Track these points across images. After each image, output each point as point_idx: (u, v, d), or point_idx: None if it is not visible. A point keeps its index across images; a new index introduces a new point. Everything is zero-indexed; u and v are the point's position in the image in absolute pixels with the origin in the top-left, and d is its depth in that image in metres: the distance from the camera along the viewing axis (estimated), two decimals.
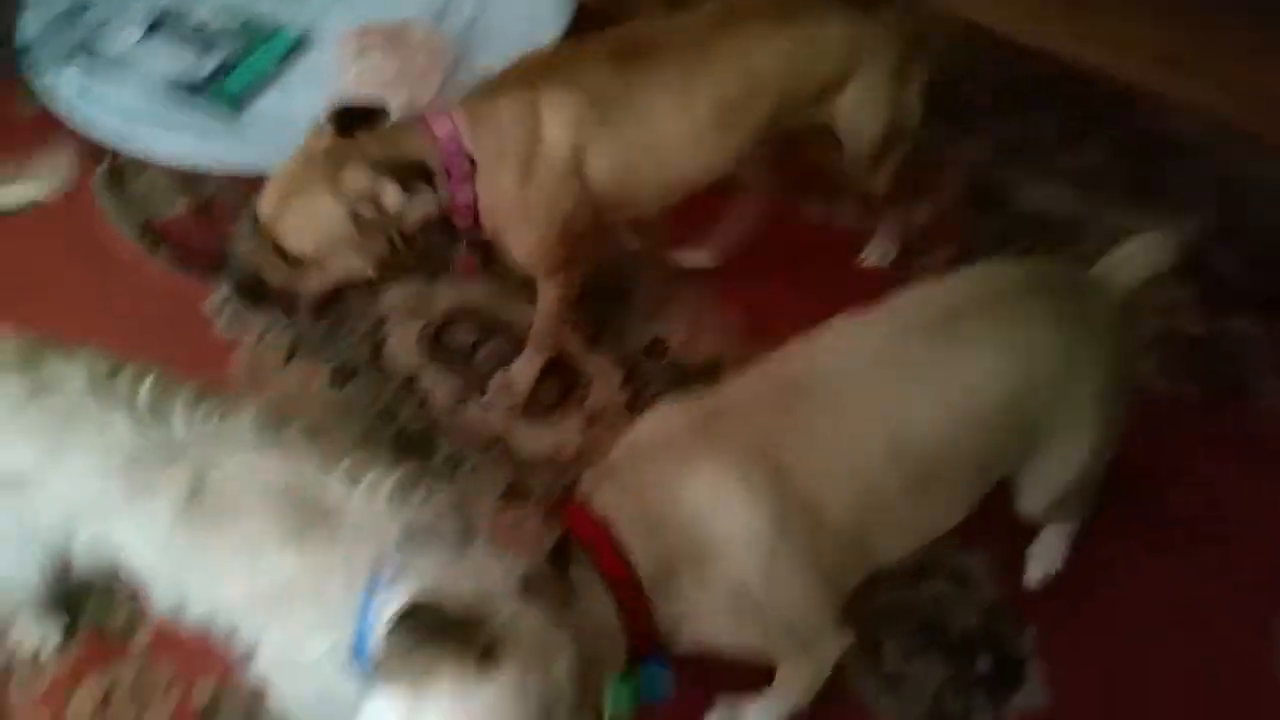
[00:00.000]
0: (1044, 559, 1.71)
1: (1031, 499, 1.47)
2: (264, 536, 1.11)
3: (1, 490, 1.23)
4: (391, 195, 1.43)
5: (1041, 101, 2.51)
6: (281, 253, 1.47)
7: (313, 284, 1.52)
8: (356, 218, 1.44)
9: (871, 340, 1.28)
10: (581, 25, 2.58)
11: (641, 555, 1.16)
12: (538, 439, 1.90)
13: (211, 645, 1.25)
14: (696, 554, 1.19)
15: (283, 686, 1.22)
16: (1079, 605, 1.71)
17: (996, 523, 1.73)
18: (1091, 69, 2.55)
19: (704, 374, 1.97)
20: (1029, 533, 1.74)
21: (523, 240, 1.66)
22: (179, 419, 1.17)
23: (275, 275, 1.50)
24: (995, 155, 2.37)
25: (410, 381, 1.99)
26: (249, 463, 1.16)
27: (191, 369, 1.78)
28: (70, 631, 1.64)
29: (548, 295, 1.79)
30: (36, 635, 1.62)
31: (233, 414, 1.19)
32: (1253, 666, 1.64)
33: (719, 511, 1.18)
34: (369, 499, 1.12)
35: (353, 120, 1.46)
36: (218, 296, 2.08)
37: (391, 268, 1.56)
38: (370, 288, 2.07)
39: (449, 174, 1.49)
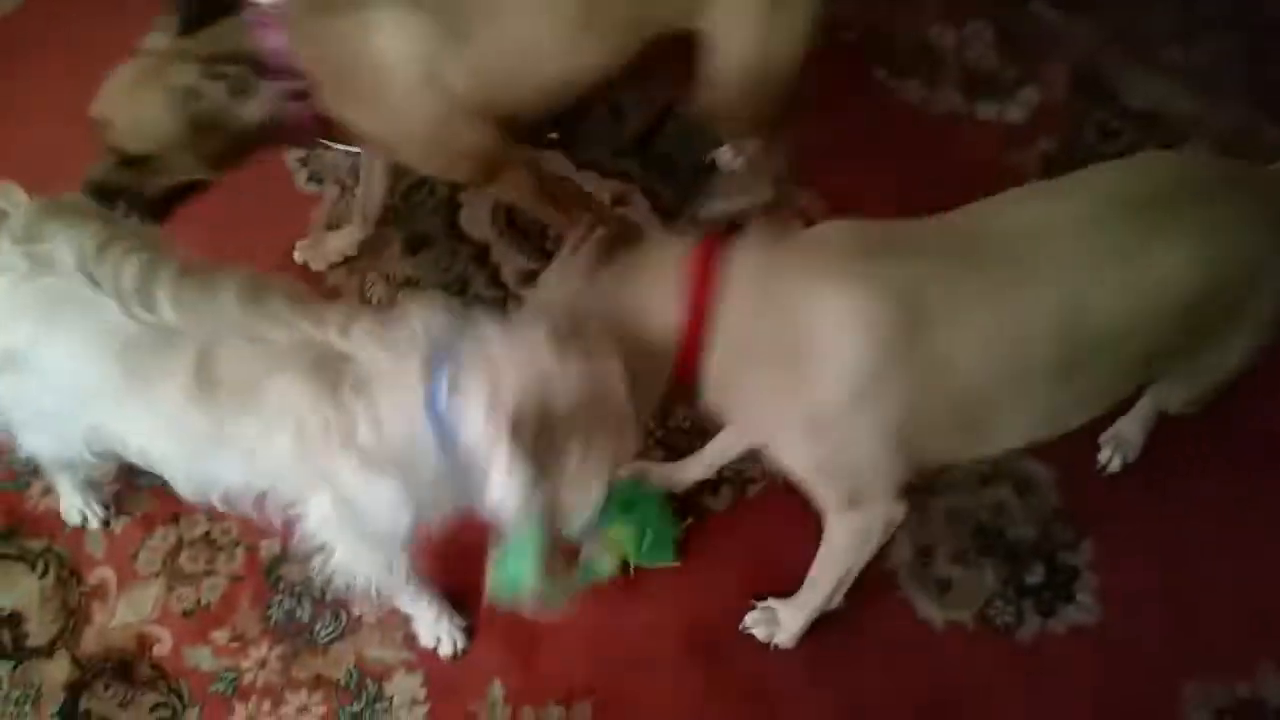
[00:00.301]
0: (1123, 447, 1.72)
1: (1173, 395, 1.46)
2: (299, 396, 1.13)
3: (4, 368, 1.26)
4: (217, 93, 1.39)
5: None
6: (121, 153, 1.44)
7: (153, 185, 1.48)
8: (189, 118, 1.40)
9: (1065, 211, 1.21)
10: None
11: (733, 318, 1.16)
12: None
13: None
14: (789, 353, 1.17)
15: (339, 536, 1.28)
16: (1141, 519, 1.70)
17: (1071, 445, 1.74)
18: None
19: None
20: (1094, 443, 1.73)
21: (426, 163, 1.63)
22: (166, 302, 1.17)
23: (118, 176, 1.46)
24: (1106, 44, 2.25)
25: (483, 253, 2.00)
26: (248, 334, 1.16)
27: (276, 226, 1.83)
28: (106, 523, 1.72)
29: (506, 197, 1.75)
30: (77, 511, 1.70)
31: (217, 289, 1.19)
32: None
33: (836, 330, 1.15)
34: (374, 339, 1.15)
35: (200, 18, 1.41)
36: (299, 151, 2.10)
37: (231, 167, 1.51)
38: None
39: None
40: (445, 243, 2.01)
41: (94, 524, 1.71)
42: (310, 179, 2.12)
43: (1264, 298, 1.27)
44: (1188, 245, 1.18)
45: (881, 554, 1.65)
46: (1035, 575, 1.66)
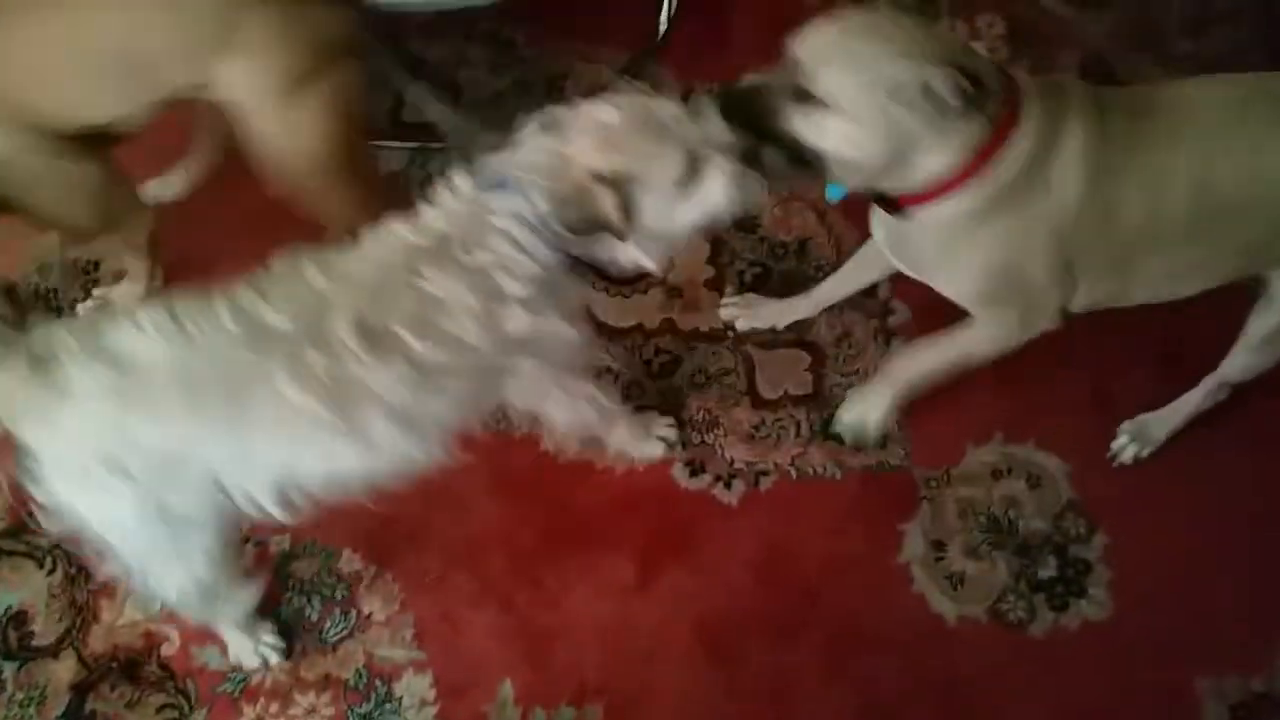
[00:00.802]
0: (1141, 440, 1.73)
1: (1265, 320, 1.53)
2: (449, 291, 1.19)
3: (164, 469, 1.18)
4: None
5: None
6: None
7: None
8: None
9: (1223, 93, 1.39)
10: None
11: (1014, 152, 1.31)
12: (620, 312, 1.89)
13: None
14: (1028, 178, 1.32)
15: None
16: (1154, 512, 1.70)
17: (1078, 425, 1.75)
18: None
19: (796, 252, 1.95)
20: (1109, 437, 1.73)
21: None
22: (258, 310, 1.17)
23: None
24: (1117, 35, 2.22)
25: None
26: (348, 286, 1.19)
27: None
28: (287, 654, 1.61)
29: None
30: (252, 653, 1.58)
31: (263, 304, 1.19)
32: None
33: (1073, 160, 1.32)
34: (445, 211, 1.26)
35: None
36: None
37: None
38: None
39: None
40: None
41: (275, 659, 1.59)
42: None
43: None
44: None
45: (894, 548, 1.66)
46: (1048, 569, 1.66)
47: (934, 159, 1.30)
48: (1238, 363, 1.60)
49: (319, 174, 1.53)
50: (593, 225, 1.23)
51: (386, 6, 1.79)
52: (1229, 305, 1.63)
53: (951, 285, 1.48)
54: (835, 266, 1.91)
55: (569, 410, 1.49)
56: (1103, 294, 1.47)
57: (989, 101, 1.26)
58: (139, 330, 1.15)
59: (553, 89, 2.17)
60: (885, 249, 1.55)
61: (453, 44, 2.23)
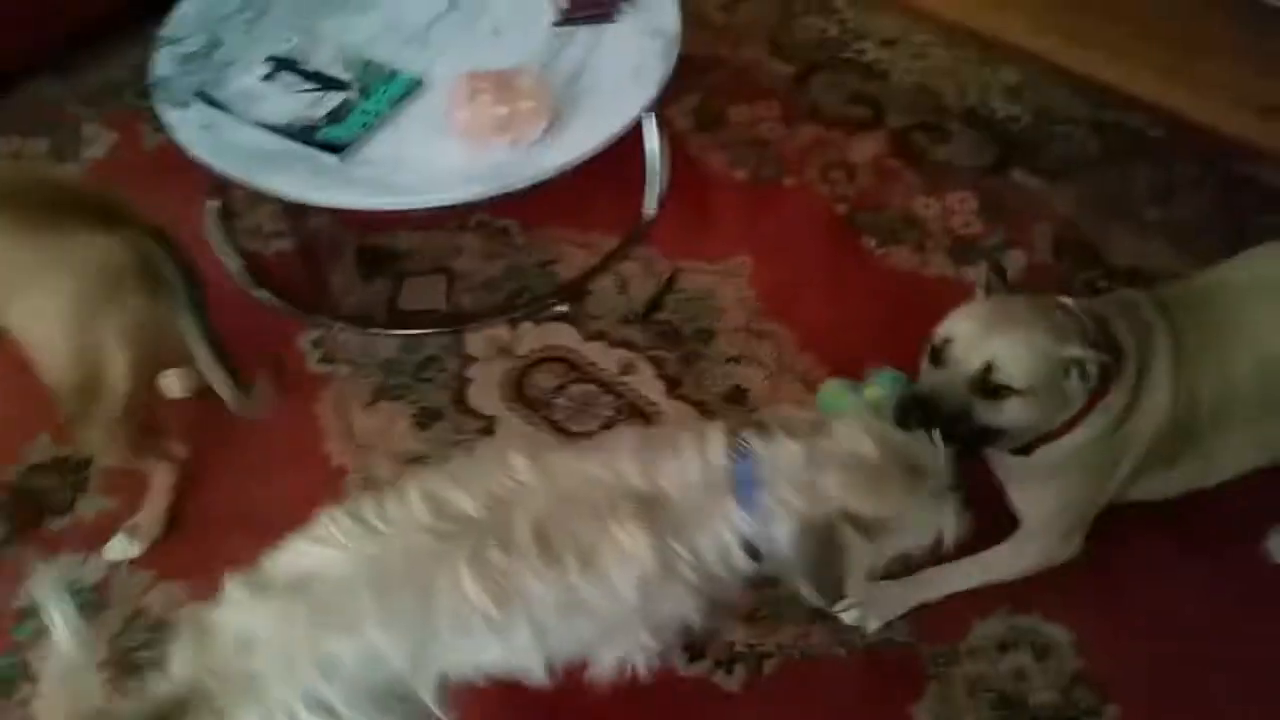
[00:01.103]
0: None
1: None
2: (636, 546, 1.16)
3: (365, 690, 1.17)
4: None
5: (1134, 152, 2.47)
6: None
7: None
8: None
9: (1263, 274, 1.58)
10: (684, 75, 2.65)
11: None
12: None
13: None
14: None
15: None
16: (1167, 682, 1.66)
17: (1080, 595, 1.73)
18: (1187, 119, 2.51)
19: None
20: (1112, 605, 1.72)
21: None
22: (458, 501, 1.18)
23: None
24: (1087, 206, 2.34)
25: (490, 427, 2.01)
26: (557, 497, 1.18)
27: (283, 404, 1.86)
28: None
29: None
30: None
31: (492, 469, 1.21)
32: None
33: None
34: (680, 476, 1.21)
35: None
36: (313, 332, 2.16)
37: None
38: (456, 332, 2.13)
39: None
40: (454, 417, 2.04)
41: None
42: (323, 359, 2.16)
43: None
44: None
45: None
46: None
47: (1072, 409, 1.48)
48: None
49: (88, 405, 1.54)
50: (828, 566, 1.20)
51: (387, 208, 1.88)
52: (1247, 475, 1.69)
53: (1035, 504, 1.64)
54: None
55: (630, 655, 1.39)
56: (1183, 481, 1.63)
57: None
58: (319, 544, 1.17)
59: (543, 274, 2.25)
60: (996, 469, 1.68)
61: (448, 234, 2.33)
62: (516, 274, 2.26)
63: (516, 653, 1.21)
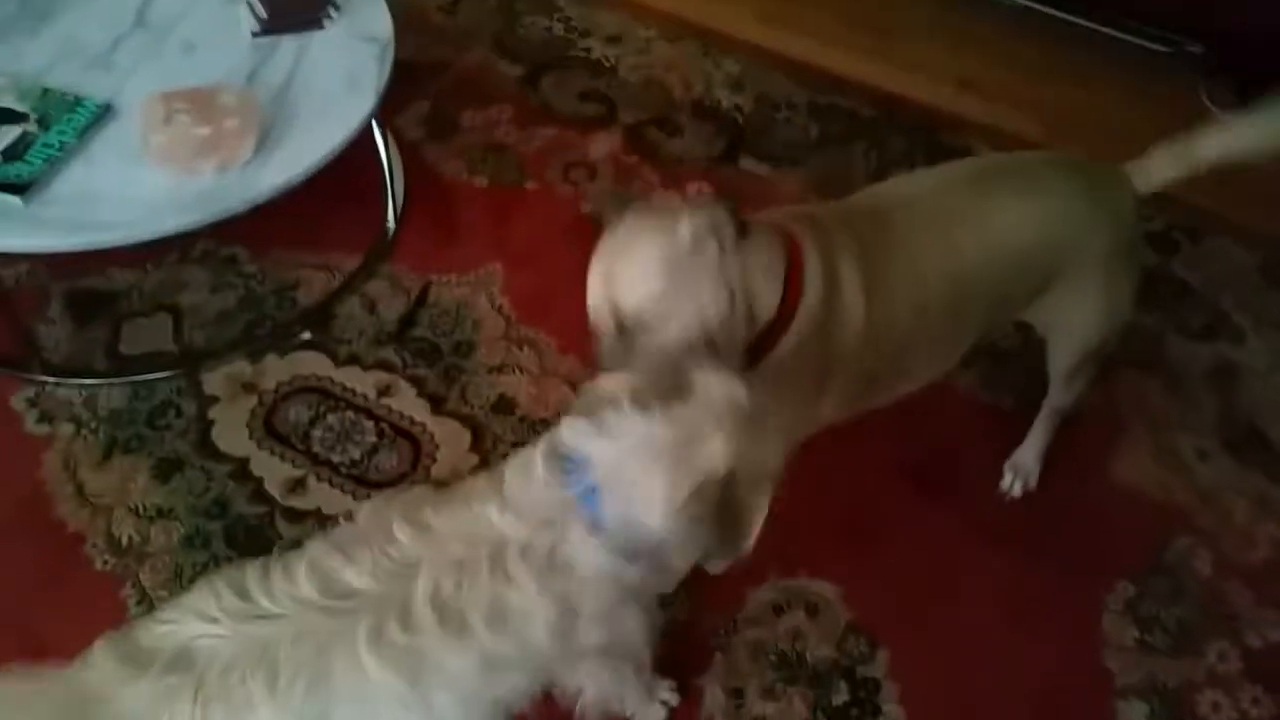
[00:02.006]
0: (1022, 472, 1.95)
1: (1056, 355, 1.73)
2: (520, 595, 1.11)
3: None
4: None
5: (851, 132, 2.63)
6: None
7: None
8: None
9: (931, 185, 1.55)
10: (409, 81, 2.58)
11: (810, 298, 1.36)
12: None
13: None
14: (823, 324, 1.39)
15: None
16: (925, 618, 1.78)
17: (840, 551, 1.84)
18: (895, 96, 2.72)
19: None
20: (870, 557, 1.83)
21: None
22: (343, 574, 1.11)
23: None
24: (813, 188, 2.47)
25: (242, 469, 1.89)
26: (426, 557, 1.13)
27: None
28: None
29: None
30: None
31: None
32: (1083, 660, 1.75)
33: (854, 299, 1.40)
34: (517, 506, 1.14)
35: None
36: (26, 391, 1.95)
37: None
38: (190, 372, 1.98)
39: None
40: (198, 464, 1.89)
41: None
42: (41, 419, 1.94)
43: (1096, 258, 1.54)
44: (1022, 204, 1.51)
45: (696, 703, 1.66)
46: (840, 695, 1.70)
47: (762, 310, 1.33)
48: (1057, 398, 1.85)
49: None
50: (729, 539, 1.14)
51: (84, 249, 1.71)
52: (969, 423, 1.88)
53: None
54: None
55: (606, 687, 1.41)
56: (875, 399, 1.57)
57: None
58: (199, 619, 1.08)
59: (282, 301, 2.13)
60: None
61: (169, 269, 2.16)
62: (252, 304, 2.12)
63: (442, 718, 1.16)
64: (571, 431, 1.13)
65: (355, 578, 1.11)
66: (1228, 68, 2.84)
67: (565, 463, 1.14)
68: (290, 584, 1.11)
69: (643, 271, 1.27)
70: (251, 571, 1.13)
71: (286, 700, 1.06)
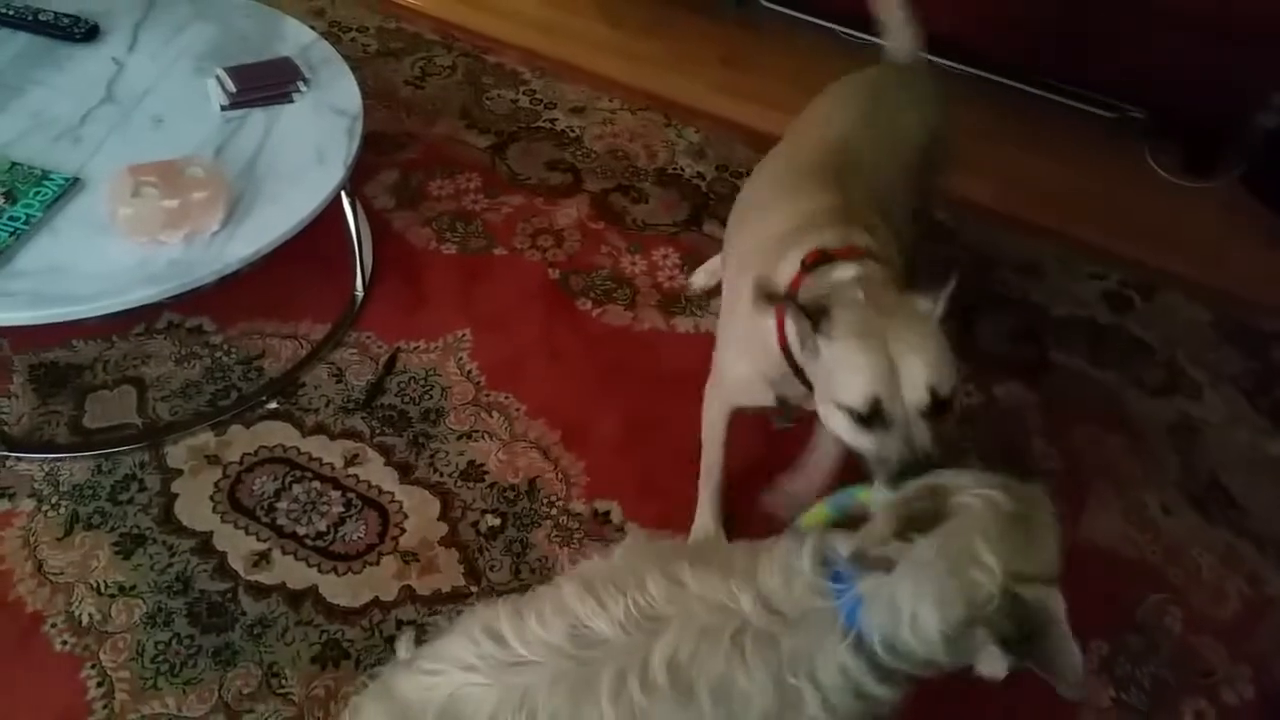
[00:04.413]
0: None
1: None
2: (753, 686, 1.11)
3: None
4: None
5: None
6: None
7: None
8: None
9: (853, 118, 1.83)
10: (377, 152, 2.62)
11: None
12: (350, 589, 1.80)
13: None
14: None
15: None
16: None
17: None
18: None
19: (526, 493, 1.96)
20: None
21: None
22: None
23: None
24: None
25: (205, 543, 1.85)
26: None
27: None
28: None
29: None
30: None
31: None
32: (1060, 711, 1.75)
33: None
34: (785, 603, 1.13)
35: None
36: None
37: None
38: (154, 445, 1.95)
39: None
40: (161, 538, 1.85)
41: None
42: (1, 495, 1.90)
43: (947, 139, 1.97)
44: (913, 111, 1.88)
45: None
46: None
47: None
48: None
49: None
50: (1031, 643, 1.07)
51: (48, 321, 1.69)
52: None
53: None
54: (567, 500, 1.95)
55: None
56: None
57: None
58: (459, 668, 1.12)
59: (249, 371, 2.12)
60: None
61: (134, 341, 2.14)
62: (218, 375, 2.10)
63: None
64: (846, 544, 1.12)
65: (606, 626, 1.12)
66: (1170, 133, 2.96)
67: (832, 570, 1.13)
68: (543, 628, 1.13)
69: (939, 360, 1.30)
70: (504, 612, 1.16)
71: None
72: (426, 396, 2.12)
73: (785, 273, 1.47)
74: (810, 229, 1.51)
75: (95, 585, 1.77)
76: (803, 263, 1.46)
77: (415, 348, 2.21)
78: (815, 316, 1.31)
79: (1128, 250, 2.65)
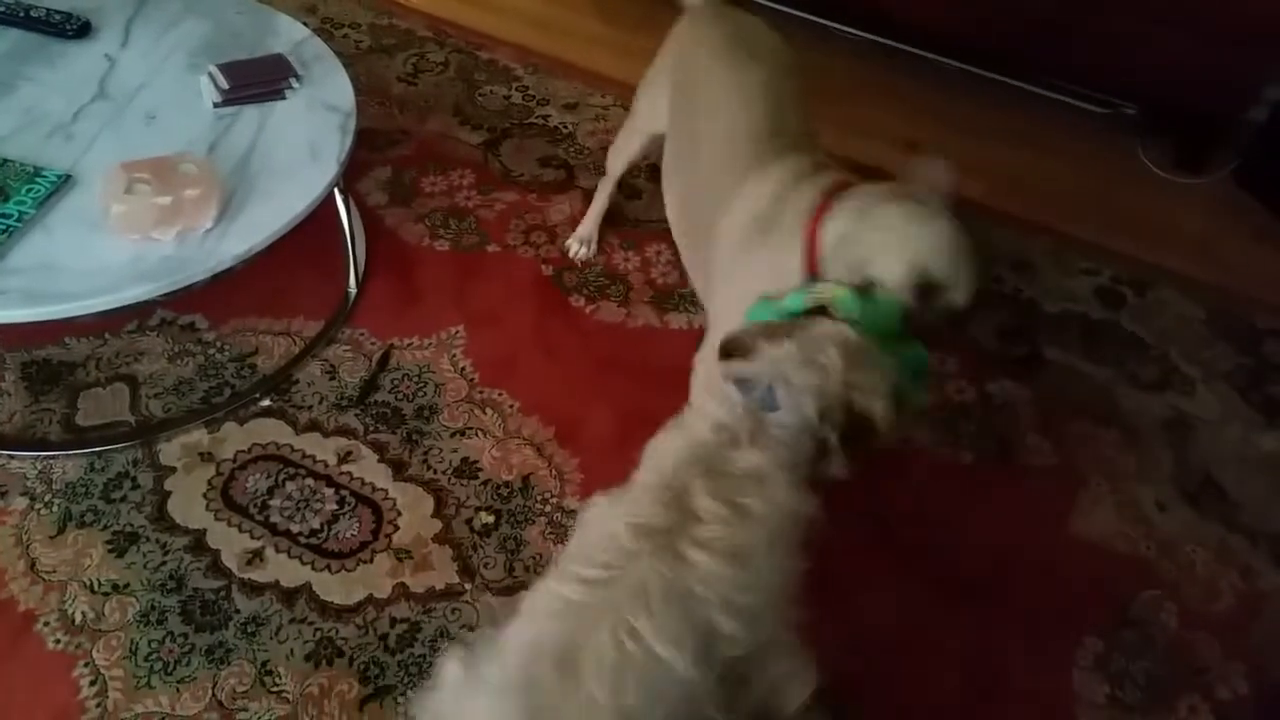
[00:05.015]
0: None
1: None
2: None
3: None
4: None
5: None
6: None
7: None
8: None
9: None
10: (371, 148, 2.61)
11: None
12: (344, 587, 1.80)
13: None
14: None
15: None
16: (895, 680, 1.77)
17: (810, 606, 1.82)
18: (845, 159, 2.78)
19: (520, 490, 1.96)
20: (844, 615, 1.82)
21: None
22: None
23: None
24: None
25: (198, 541, 1.85)
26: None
27: None
28: None
29: None
30: None
31: None
32: (1055, 719, 1.75)
33: None
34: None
35: None
36: None
37: None
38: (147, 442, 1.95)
39: None
40: (154, 535, 1.85)
41: None
42: None
43: None
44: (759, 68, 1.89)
45: None
46: None
47: None
48: None
49: None
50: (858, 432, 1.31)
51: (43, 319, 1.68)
52: (930, 479, 1.81)
53: None
54: (561, 497, 1.95)
55: None
56: None
57: None
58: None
59: (242, 368, 2.11)
60: None
61: (126, 338, 2.13)
62: (211, 372, 2.10)
63: None
64: (740, 365, 1.36)
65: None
66: (1162, 128, 2.97)
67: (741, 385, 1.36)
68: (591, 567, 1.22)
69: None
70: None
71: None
72: (420, 393, 2.11)
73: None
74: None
75: (88, 583, 1.77)
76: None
77: (409, 344, 2.20)
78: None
79: (1120, 246, 2.66)
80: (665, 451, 1.35)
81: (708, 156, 1.85)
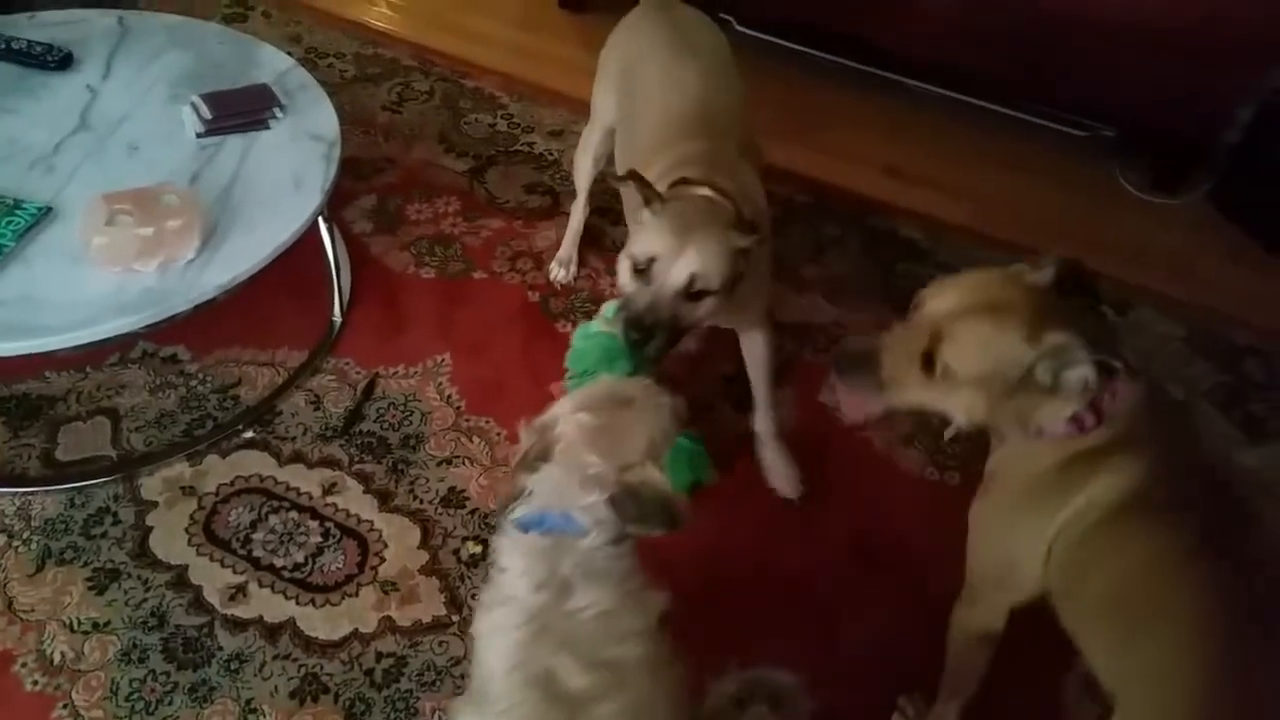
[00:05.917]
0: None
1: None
2: None
3: None
4: None
5: (788, 218, 2.71)
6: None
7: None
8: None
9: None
10: (355, 176, 2.60)
11: None
12: (329, 621, 1.77)
13: None
14: None
15: None
16: (891, 704, 1.76)
17: (802, 630, 1.82)
18: (827, 184, 2.81)
19: None
20: (836, 638, 1.81)
21: None
22: None
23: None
24: None
25: (180, 577, 1.82)
26: None
27: None
28: None
29: None
30: None
31: None
32: None
33: None
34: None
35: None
36: None
37: None
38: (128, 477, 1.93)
39: None
40: (135, 572, 1.82)
41: None
42: None
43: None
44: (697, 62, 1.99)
45: None
46: None
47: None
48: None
49: None
50: (656, 505, 1.29)
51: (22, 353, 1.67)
52: (917, 501, 1.80)
53: None
54: None
55: None
56: None
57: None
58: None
59: (225, 400, 2.09)
60: None
61: (108, 371, 2.11)
62: (193, 404, 2.08)
63: None
64: (520, 509, 1.31)
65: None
66: (1139, 151, 3.00)
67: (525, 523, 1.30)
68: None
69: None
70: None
71: None
72: (406, 422, 2.10)
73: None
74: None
75: (68, 622, 1.74)
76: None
77: (394, 373, 2.19)
78: (652, 197, 1.68)
79: (1100, 266, 2.64)
80: (503, 634, 1.27)
81: (641, 141, 1.93)
